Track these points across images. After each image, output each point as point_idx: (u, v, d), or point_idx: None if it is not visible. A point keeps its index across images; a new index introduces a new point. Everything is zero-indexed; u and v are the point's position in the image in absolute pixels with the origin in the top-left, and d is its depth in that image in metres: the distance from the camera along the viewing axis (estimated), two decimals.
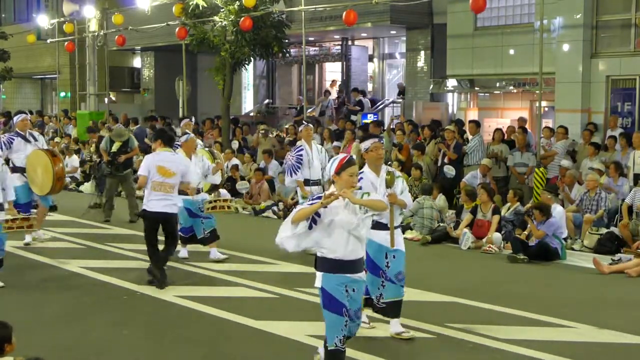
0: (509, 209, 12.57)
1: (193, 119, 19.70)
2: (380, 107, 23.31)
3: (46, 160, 11.16)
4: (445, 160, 15.13)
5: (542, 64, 13.54)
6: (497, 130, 15.68)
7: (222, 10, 18.43)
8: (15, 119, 12.15)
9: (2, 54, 29.75)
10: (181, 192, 9.60)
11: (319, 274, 5.83)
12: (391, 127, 17.65)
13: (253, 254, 11.30)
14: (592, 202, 12.40)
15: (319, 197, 5.62)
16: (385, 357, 6.76)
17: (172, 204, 9.23)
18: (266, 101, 27.33)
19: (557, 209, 11.71)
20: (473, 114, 18.99)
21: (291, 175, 11.26)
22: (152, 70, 29.88)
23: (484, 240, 11.90)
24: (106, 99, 26.75)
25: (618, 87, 15.95)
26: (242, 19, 16.89)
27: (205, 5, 18.68)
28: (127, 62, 32.98)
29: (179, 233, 10.16)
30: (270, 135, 19.48)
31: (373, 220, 6.27)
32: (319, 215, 5.58)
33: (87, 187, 18.93)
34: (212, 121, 21.81)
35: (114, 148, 14.21)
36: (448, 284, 9.50)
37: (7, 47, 29.91)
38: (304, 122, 11.51)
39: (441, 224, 12.90)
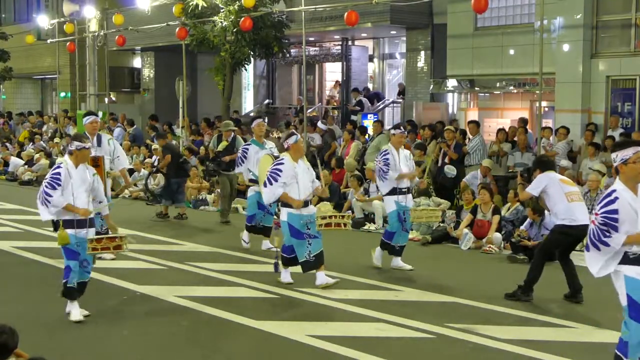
0: (509, 209, 12.57)
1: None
2: (381, 107, 23.30)
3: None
4: (446, 160, 15.14)
5: (542, 64, 13.53)
6: (500, 130, 15.70)
7: (222, 10, 18.43)
8: (84, 120, 11.13)
9: (2, 54, 29.74)
10: (285, 205, 9.19)
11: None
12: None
13: (253, 254, 11.31)
14: (593, 202, 12.39)
15: None
16: (385, 357, 6.76)
17: None
18: (266, 101, 27.32)
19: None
20: (473, 114, 18.98)
21: (382, 181, 10.26)
22: (152, 71, 29.87)
23: (484, 240, 11.90)
24: (106, 99, 26.74)
25: (618, 87, 15.94)
26: (242, 19, 16.89)
27: (205, 6, 18.67)
28: (127, 62, 32.96)
29: (281, 253, 9.44)
30: (272, 136, 19.48)
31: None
32: None
33: None
34: (208, 121, 21.80)
35: (220, 147, 13.77)
36: (448, 284, 9.50)
37: (7, 47, 29.90)
38: (401, 127, 10.63)
39: (441, 224, 12.89)
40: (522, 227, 11.47)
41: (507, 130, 15.78)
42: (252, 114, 26.26)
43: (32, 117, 30.17)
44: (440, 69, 19.67)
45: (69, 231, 7.73)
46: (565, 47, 16.23)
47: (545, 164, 9.22)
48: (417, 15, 19.86)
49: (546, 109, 17.76)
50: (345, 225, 9.41)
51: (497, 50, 17.95)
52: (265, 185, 9.18)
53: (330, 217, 9.42)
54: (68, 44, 25.12)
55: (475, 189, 12.95)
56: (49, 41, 26.91)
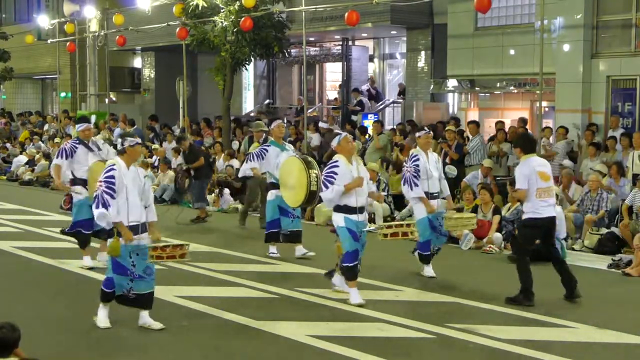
0: (509, 209, 12.55)
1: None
2: (381, 107, 23.30)
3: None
4: (447, 160, 15.13)
5: (543, 64, 13.53)
6: (500, 130, 15.71)
7: (222, 10, 18.43)
8: (77, 127, 10.99)
9: (2, 54, 29.74)
10: (340, 209, 8.59)
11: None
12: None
13: (253, 254, 11.30)
14: (593, 202, 12.40)
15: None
16: (385, 357, 6.76)
17: None
18: (266, 101, 27.32)
19: (556, 210, 11.68)
20: (473, 114, 18.98)
21: (411, 189, 9.78)
22: (152, 71, 29.87)
23: (485, 240, 11.90)
24: (106, 99, 26.75)
25: (618, 87, 15.94)
26: (243, 19, 16.89)
27: (206, 6, 18.67)
28: (127, 63, 32.96)
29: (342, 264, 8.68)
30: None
31: None
32: None
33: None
34: (207, 121, 21.80)
35: (251, 149, 12.89)
36: (448, 284, 9.49)
37: (8, 47, 29.90)
38: (425, 128, 10.20)
39: None
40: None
41: (506, 129, 15.81)
42: (252, 114, 26.29)
43: (33, 117, 30.20)
44: (441, 69, 19.67)
45: (121, 240, 7.31)
46: (566, 47, 16.23)
47: (529, 142, 9.07)
48: (418, 15, 19.85)
49: (546, 109, 17.76)
50: (412, 233, 8.88)
51: (497, 51, 17.95)
52: (323, 190, 8.50)
53: (396, 226, 8.89)
54: (68, 44, 25.13)
55: (476, 189, 12.95)
56: (49, 41, 26.92)
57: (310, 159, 10.45)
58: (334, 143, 8.74)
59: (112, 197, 7.23)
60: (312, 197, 9.82)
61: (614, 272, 10.43)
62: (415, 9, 18.68)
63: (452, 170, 14.77)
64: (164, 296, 8.78)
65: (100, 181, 7.33)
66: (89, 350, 7.04)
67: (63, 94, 31.97)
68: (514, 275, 9.49)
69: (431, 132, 10.59)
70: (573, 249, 11.85)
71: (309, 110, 22.14)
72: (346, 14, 15.53)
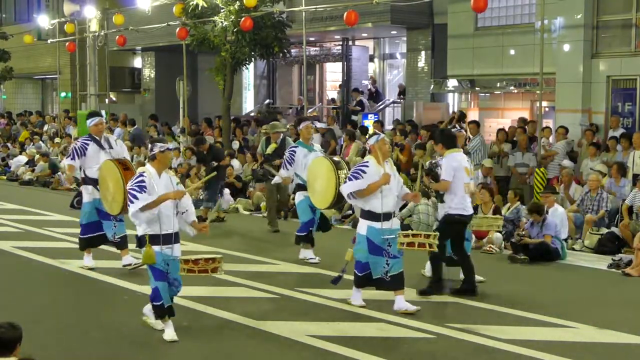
0: (509, 208, 12.56)
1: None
2: (381, 107, 23.31)
3: (117, 174, 9.09)
4: None
5: (543, 64, 13.54)
6: (500, 130, 15.71)
7: (222, 10, 18.43)
8: (88, 122, 10.24)
9: (2, 54, 29.75)
10: (365, 217, 8.25)
11: None
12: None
13: (253, 253, 11.30)
14: (594, 202, 12.40)
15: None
16: (385, 357, 6.76)
17: None
18: (267, 101, 27.33)
19: (558, 210, 11.71)
20: (474, 114, 18.98)
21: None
22: (152, 71, 29.88)
23: (485, 240, 11.90)
24: (107, 99, 26.74)
25: (619, 87, 15.95)
26: (243, 19, 16.89)
27: (206, 6, 18.68)
28: (127, 63, 32.97)
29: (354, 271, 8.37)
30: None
31: None
32: None
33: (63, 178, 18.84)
34: (208, 121, 21.81)
35: (269, 150, 12.87)
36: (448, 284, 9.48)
37: (8, 47, 29.92)
38: (456, 126, 10.13)
39: None
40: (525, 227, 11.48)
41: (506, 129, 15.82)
42: (252, 114, 26.31)
43: (33, 117, 30.20)
44: (441, 69, 19.67)
45: (155, 248, 7.06)
46: (566, 47, 16.23)
47: (450, 139, 8.99)
48: (418, 15, 19.86)
49: (546, 109, 17.76)
50: (430, 246, 8.26)
51: (497, 50, 17.95)
52: (345, 182, 8.23)
53: (413, 235, 8.39)
54: (68, 44, 25.14)
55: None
56: (49, 41, 26.93)
57: (338, 159, 10.26)
58: (371, 142, 8.31)
59: (137, 197, 6.92)
60: (341, 198, 9.31)
61: (614, 272, 10.43)
62: (415, 9, 18.69)
63: None
64: None
65: (128, 189, 7.11)
66: (89, 350, 7.03)
67: (63, 94, 31.98)
68: (514, 275, 9.54)
69: (462, 130, 10.42)
70: (573, 249, 11.85)
71: (309, 110, 22.14)
72: (345, 14, 15.54)
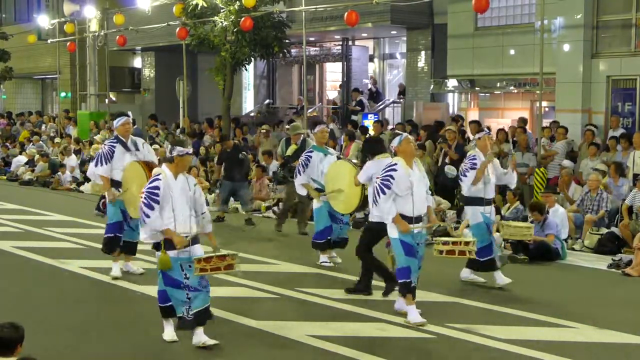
0: (509, 208, 12.56)
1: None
2: (381, 107, 23.31)
3: (142, 177, 8.69)
4: (447, 160, 15.13)
5: (543, 64, 13.54)
6: (500, 130, 15.71)
7: (222, 10, 18.43)
8: (115, 122, 9.97)
9: (2, 54, 29.75)
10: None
11: None
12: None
13: (253, 254, 11.30)
14: (594, 202, 12.40)
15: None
16: (385, 357, 6.76)
17: None
18: (267, 101, 27.34)
19: (559, 210, 11.71)
20: (474, 114, 19.00)
21: (467, 188, 9.37)
22: (152, 71, 29.89)
23: None
24: (107, 99, 26.75)
25: (619, 87, 15.95)
26: (243, 19, 16.89)
27: (206, 6, 18.68)
28: (127, 62, 32.97)
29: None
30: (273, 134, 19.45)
31: None
32: None
33: (88, 187, 18.91)
34: (209, 121, 21.81)
35: (289, 152, 12.52)
36: (448, 284, 9.48)
37: (8, 47, 29.91)
38: (486, 128, 9.81)
39: (442, 224, 12.88)
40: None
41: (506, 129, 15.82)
42: (252, 114, 26.32)
43: (33, 117, 30.20)
44: (441, 69, 19.68)
45: (170, 254, 6.84)
46: (566, 47, 16.24)
47: (375, 144, 8.76)
48: (418, 15, 19.87)
49: (546, 109, 17.77)
50: (470, 253, 8.07)
51: (497, 50, 17.96)
52: (378, 197, 7.70)
53: (453, 243, 8.14)
54: (68, 44, 25.14)
55: None
56: (49, 41, 26.94)
57: (357, 162, 10.01)
58: (394, 144, 7.93)
59: (152, 208, 6.81)
60: (366, 202, 8.96)
61: (614, 272, 10.43)
62: (415, 9, 18.69)
63: (452, 171, 14.75)
64: None
65: (143, 192, 6.97)
66: (88, 350, 7.03)
67: (63, 94, 32.00)
68: (514, 275, 9.51)
69: (490, 133, 9.83)
70: (573, 249, 11.85)
71: (309, 110, 22.14)
72: (346, 14, 15.54)
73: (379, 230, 8.23)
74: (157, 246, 6.96)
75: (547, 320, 7.92)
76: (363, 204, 9.39)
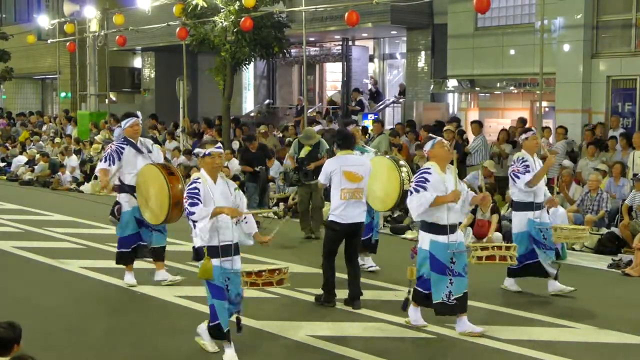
0: (509, 208, 12.56)
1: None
2: (381, 107, 23.32)
3: (161, 179, 8.46)
4: None
5: (543, 64, 13.53)
6: (503, 130, 15.72)
7: (222, 10, 18.43)
8: (123, 124, 9.36)
9: (2, 54, 29.77)
10: (427, 229, 7.41)
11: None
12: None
13: (253, 253, 11.29)
14: (594, 202, 12.39)
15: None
16: (385, 357, 6.76)
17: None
18: (267, 101, 27.35)
19: (559, 211, 11.70)
20: (474, 114, 19.00)
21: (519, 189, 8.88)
22: (152, 71, 29.90)
23: (484, 240, 11.89)
24: (107, 99, 26.76)
25: (619, 87, 15.96)
26: (243, 19, 16.89)
27: (206, 6, 18.68)
28: (127, 63, 32.99)
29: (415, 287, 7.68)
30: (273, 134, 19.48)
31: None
32: None
33: (88, 187, 18.92)
34: (207, 121, 21.80)
35: (302, 153, 12.30)
36: None
37: (8, 47, 29.93)
38: (532, 129, 9.08)
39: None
40: None
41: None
42: (252, 114, 26.32)
43: (33, 117, 30.20)
44: (441, 69, 19.68)
45: (214, 262, 6.51)
46: (566, 47, 16.24)
47: (346, 139, 8.42)
48: (418, 15, 19.88)
49: (546, 109, 17.77)
50: (511, 258, 7.67)
51: (497, 51, 17.96)
52: (410, 194, 7.26)
53: (493, 248, 7.74)
54: (68, 44, 25.15)
55: (476, 189, 12.92)
56: (49, 41, 26.95)
57: (396, 157, 9.76)
58: (427, 147, 7.47)
59: (196, 205, 6.42)
60: (404, 199, 8.39)
61: (614, 272, 10.43)
62: (415, 9, 18.70)
63: None
64: (163, 296, 8.80)
65: (185, 199, 6.57)
66: (88, 350, 7.03)
67: (63, 94, 32.02)
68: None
69: (537, 134, 9.50)
70: (573, 249, 11.83)
71: (309, 110, 22.14)
72: (346, 14, 15.54)
73: (334, 230, 8.18)
74: (198, 255, 6.60)
75: (547, 320, 7.92)
76: (403, 199, 8.88)
